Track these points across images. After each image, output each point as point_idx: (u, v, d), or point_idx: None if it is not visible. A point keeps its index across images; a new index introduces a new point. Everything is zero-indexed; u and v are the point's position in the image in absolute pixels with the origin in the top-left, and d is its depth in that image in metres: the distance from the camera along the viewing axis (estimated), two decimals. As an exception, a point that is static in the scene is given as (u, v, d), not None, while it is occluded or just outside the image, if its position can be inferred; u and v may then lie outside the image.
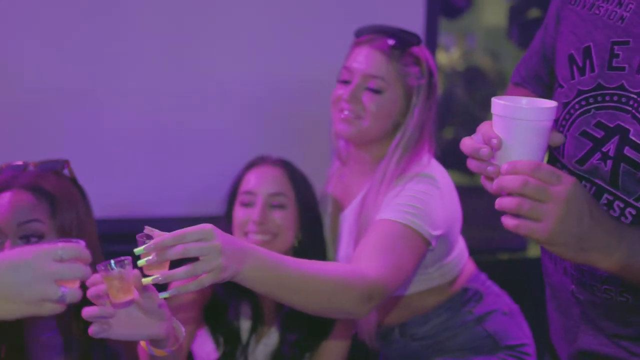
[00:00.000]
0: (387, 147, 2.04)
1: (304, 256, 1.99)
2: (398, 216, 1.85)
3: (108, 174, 2.73)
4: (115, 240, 2.87)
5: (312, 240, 2.11)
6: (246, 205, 2.04)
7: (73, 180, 1.81)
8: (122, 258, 1.40)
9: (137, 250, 1.38)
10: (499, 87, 4.05)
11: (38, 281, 1.14)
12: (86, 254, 1.23)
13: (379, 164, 2.03)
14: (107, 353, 1.75)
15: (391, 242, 1.79)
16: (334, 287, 1.59)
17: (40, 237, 1.68)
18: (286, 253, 2.00)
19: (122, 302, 1.40)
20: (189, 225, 2.68)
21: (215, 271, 1.37)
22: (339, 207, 2.16)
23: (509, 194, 1.19)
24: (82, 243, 1.27)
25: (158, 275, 1.35)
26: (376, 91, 2.01)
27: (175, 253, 1.34)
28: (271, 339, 2.06)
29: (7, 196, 1.68)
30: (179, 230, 1.37)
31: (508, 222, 1.21)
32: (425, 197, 1.91)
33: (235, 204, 2.08)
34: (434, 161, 2.05)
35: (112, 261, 1.39)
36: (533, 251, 3.35)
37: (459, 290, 2.12)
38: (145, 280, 1.37)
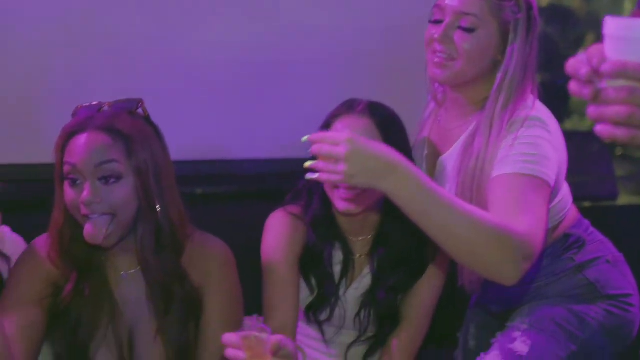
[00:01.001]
0: (486, 88, 1.94)
1: None
2: (522, 168, 1.77)
3: (188, 116, 2.73)
4: (195, 182, 2.93)
5: None
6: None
7: (147, 120, 1.79)
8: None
9: None
10: (589, 27, 3.85)
11: None
12: None
13: (478, 106, 1.94)
14: (187, 288, 1.76)
15: (524, 196, 1.71)
16: (487, 237, 1.54)
17: (118, 178, 1.68)
18: (377, 203, 1.98)
19: None
20: (271, 168, 2.79)
21: (340, 175, 1.51)
22: (436, 151, 2.09)
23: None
24: None
25: None
26: (468, 29, 1.90)
27: (312, 149, 1.53)
28: (363, 282, 2.04)
29: (83, 137, 1.68)
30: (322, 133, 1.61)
31: (612, 131, 1.03)
32: (540, 141, 1.82)
33: None
34: (538, 103, 1.94)
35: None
36: (624, 199, 3.21)
37: (561, 237, 2.04)
38: None
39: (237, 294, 1.85)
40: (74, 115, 1.76)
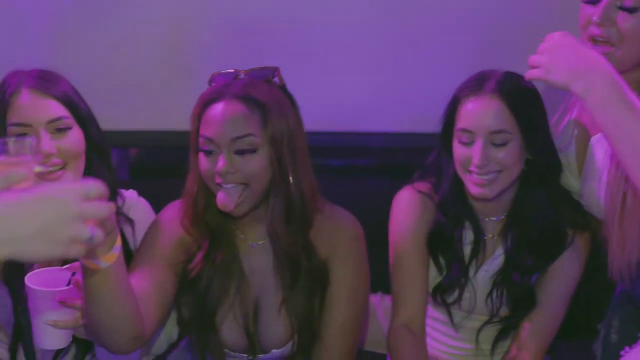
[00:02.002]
0: None
1: (536, 181, 1.86)
2: None
3: (321, 87, 2.69)
4: (327, 154, 2.90)
5: (545, 165, 1.91)
6: (465, 144, 1.86)
7: (283, 89, 1.75)
8: None
9: None
10: None
11: (69, 220, 1.05)
12: (106, 190, 1.13)
13: (636, 90, 1.78)
14: (314, 261, 1.74)
15: None
16: None
17: (253, 151, 1.65)
18: (511, 184, 1.88)
19: None
20: (402, 142, 2.72)
21: (540, 70, 1.60)
22: (586, 133, 1.95)
23: None
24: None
25: None
26: (632, 9, 1.75)
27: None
28: (494, 264, 1.94)
29: (219, 107, 1.66)
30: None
31: None
32: None
33: (453, 138, 1.90)
34: None
35: None
36: None
37: None
38: None
39: (364, 269, 1.80)
40: (210, 82, 1.74)
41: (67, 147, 1.74)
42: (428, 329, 1.98)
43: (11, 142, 1.28)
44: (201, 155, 1.67)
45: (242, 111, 1.64)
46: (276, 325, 1.74)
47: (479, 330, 1.96)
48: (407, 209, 1.95)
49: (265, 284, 1.76)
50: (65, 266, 1.58)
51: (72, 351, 1.81)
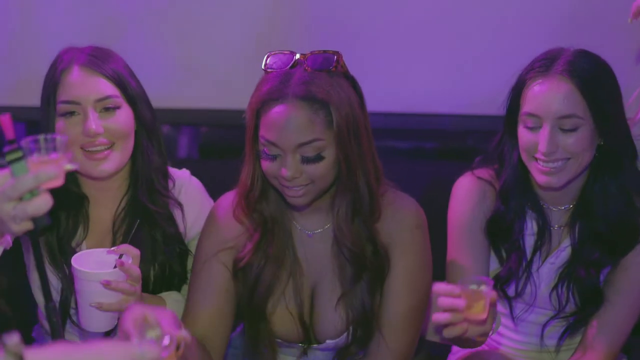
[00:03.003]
0: None
1: (607, 169, 1.78)
2: None
3: (391, 67, 2.64)
4: (395, 135, 2.86)
5: (617, 152, 1.80)
6: (531, 129, 1.75)
7: (345, 75, 1.67)
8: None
9: None
10: None
11: None
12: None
13: None
14: (377, 251, 1.70)
15: None
16: None
17: (320, 157, 1.58)
18: (585, 169, 1.79)
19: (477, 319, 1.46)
20: (472, 125, 2.65)
21: None
22: None
23: None
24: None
25: None
26: None
27: None
28: (560, 256, 1.85)
29: (281, 111, 1.56)
30: None
31: None
32: None
33: (518, 123, 1.79)
34: None
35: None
36: None
37: None
38: None
39: (426, 259, 1.74)
40: (265, 63, 1.65)
41: (115, 126, 1.73)
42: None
43: (42, 139, 1.22)
44: (264, 157, 1.62)
45: (306, 115, 1.56)
46: (331, 316, 1.71)
47: (544, 325, 1.88)
48: (466, 196, 1.88)
49: (321, 273, 1.73)
50: (113, 248, 1.59)
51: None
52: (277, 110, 1.57)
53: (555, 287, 1.83)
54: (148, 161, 1.80)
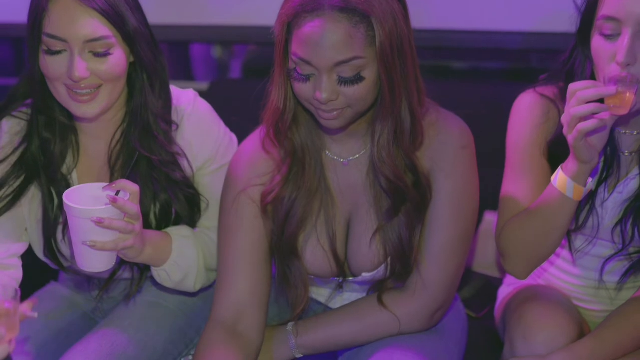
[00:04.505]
0: None
1: None
2: None
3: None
4: (450, 54, 2.72)
5: None
6: (608, 37, 1.53)
7: None
8: None
9: None
10: None
11: None
12: None
13: None
14: (418, 179, 1.57)
15: None
16: None
17: (359, 77, 1.44)
18: None
19: None
20: (540, 43, 2.48)
21: None
22: None
23: None
24: None
25: None
26: None
27: None
28: (630, 186, 1.68)
29: (317, 26, 1.41)
30: None
31: None
32: None
33: (592, 30, 1.58)
34: None
35: None
36: None
37: None
38: None
39: (473, 182, 1.61)
40: None
41: (103, 70, 1.55)
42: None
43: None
44: (296, 77, 1.48)
45: (345, 29, 1.41)
46: (366, 250, 1.61)
47: (606, 260, 1.74)
48: (527, 115, 1.71)
49: (356, 204, 1.62)
50: (109, 184, 1.48)
51: (127, 274, 1.73)
52: (311, 24, 1.42)
53: (620, 221, 1.68)
54: (145, 103, 1.62)
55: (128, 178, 1.58)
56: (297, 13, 1.43)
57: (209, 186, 1.70)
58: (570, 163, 1.50)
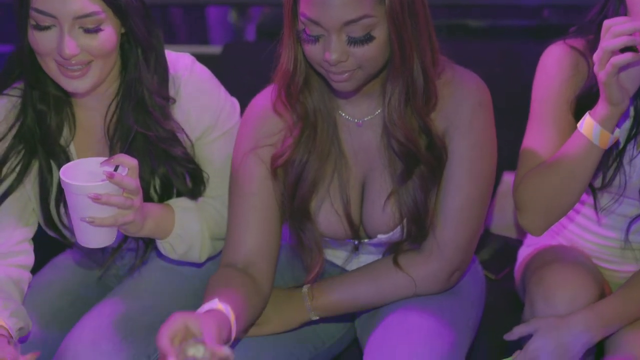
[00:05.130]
0: None
1: None
2: None
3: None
4: (465, 12, 2.66)
5: None
6: None
7: None
8: None
9: None
10: None
11: None
12: None
13: None
14: (433, 141, 1.52)
15: None
16: None
17: (369, 37, 1.40)
18: None
19: None
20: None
21: None
22: None
23: None
24: None
25: None
26: None
27: None
28: None
29: None
30: None
31: None
32: None
33: None
34: None
35: None
36: None
37: None
38: None
39: (490, 141, 1.56)
40: None
41: (94, 46, 1.48)
42: (571, 213, 1.76)
43: None
44: (305, 38, 1.45)
45: None
46: (380, 213, 1.57)
47: (633, 220, 1.70)
48: (555, 67, 1.65)
49: (370, 166, 1.59)
50: (106, 159, 1.44)
51: (133, 245, 1.70)
52: None
53: None
54: (139, 78, 1.57)
55: (126, 152, 1.54)
56: None
57: (211, 155, 1.66)
58: (599, 106, 1.46)
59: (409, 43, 1.43)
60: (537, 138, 1.63)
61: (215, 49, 2.64)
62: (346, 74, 1.44)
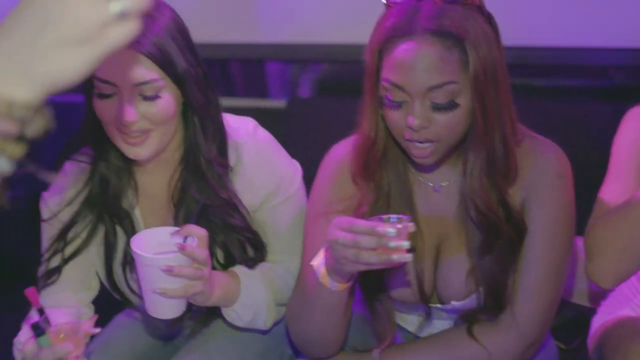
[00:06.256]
0: None
1: None
2: None
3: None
4: (530, 72, 2.63)
5: None
6: None
7: (480, 9, 1.44)
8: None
9: None
10: None
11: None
12: None
13: None
14: (512, 213, 1.49)
15: None
16: None
17: (453, 105, 1.38)
18: None
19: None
20: (619, 59, 2.38)
21: None
22: None
23: None
24: None
25: None
26: None
27: None
28: None
29: (409, 49, 1.36)
30: None
31: None
32: None
33: None
34: None
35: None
36: None
37: None
38: None
39: (570, 213, 1.52)
40: (388, 0, 1.44)
41: (152, 113, 1.49)
42: None
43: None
44: (386, 104, 1.43)
45: (438, 53, 1.35)
46: (456, 283, 1.53)
47: None
48: (636, 123, 1.61)
49: (446, 234, 1.55)
50: (177, 229, 1.45)
51: (188, 322, 1.70)
52: (403, 47, 1.37)
53: None
54: (197, 147, 1.57)
55: (191, 220, 1.53)
56: (389, 38, 1.39)
57: (274, 220, 1.64)
58: None
59: (491, 112, 1.41)
60: (613, 186, 1.58)
61: (274, 103, 2.66)
62: (428, 149, 1.41)
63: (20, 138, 0.76)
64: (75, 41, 0.74)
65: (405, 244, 1.28)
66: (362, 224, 1.29)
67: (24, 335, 1.50)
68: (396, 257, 1.27)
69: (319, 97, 2.81)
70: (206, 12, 2.72)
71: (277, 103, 2.70)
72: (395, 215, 1.34)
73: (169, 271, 1.38)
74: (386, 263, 1.29)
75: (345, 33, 2.52)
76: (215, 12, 2.70)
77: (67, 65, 0.74)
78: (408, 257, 1.28)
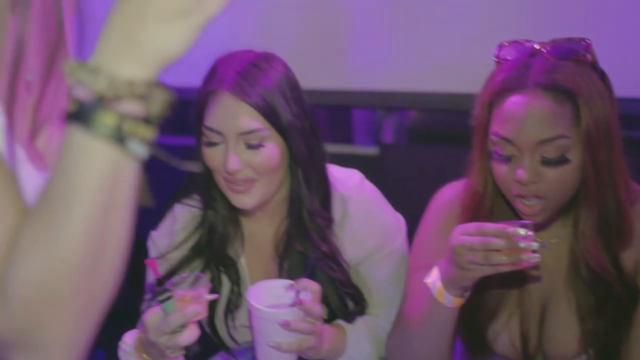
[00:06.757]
0: None
1: None
2: None
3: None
4: (634, 124, 2.52)
5: None
6: None
7: (594, 66, 1.41)
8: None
9: None
10: None
11: None
12: None
13: None
14: (626, 283, 1.43)
15: None
16: None
17: (563, 161, 1.34)
18: None
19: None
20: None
21: None
22: None
23: None
24: None
25: None
26: None
27: None
28: None
29: (521, 102, 1.34)
30: None
31: None
32: None
33: None
34: None
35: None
36: None
37: None
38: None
39: None
40: (498, 57, 1.43)
41: (257, 162, 1.50)
42: None
43: (184, 278, 1.43)
44: (495, 158, 1.40)
45: (550, 107, 1.33)
46: (566, 341, 1.47)
47: None
48: None
49: (553, 288, 1.49)
50: (292, 282, 1.46)
51: None
52: (514, 101, 1.34)
53: None
54: (300, 199, 1.56)
55: (304, 275, 1.53)
56: (499, 91, 1.36)
57: (376, 274, 1.62)
58: None
59: (604, 169, 1.36)
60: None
61: (363, 150, 2.63)
62: (536, 207, 1.37)
63: (148, 121, 0.77)
64: (177, 13, 0.75)
65: (535, 244, 1.27)
66: (492, 225, 1.28)
67: (129, 336, 1.51)
68: (525, 257, 1.26)
69: (412, 145, 2.77)
70: (298, 57, 2.74)
71: (364, 149, 2.68)
72: (518, 222, 1.32)
73: (285, 325, 1.38)
74: (515, 264, 1.28)
75: (436, 81, 2.51)
76: (303, 57, 2.72)
77: (174, 38, 0.75)
78: (536, 256, 1.27)
